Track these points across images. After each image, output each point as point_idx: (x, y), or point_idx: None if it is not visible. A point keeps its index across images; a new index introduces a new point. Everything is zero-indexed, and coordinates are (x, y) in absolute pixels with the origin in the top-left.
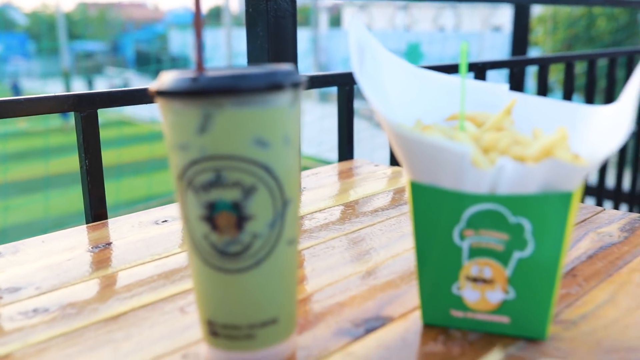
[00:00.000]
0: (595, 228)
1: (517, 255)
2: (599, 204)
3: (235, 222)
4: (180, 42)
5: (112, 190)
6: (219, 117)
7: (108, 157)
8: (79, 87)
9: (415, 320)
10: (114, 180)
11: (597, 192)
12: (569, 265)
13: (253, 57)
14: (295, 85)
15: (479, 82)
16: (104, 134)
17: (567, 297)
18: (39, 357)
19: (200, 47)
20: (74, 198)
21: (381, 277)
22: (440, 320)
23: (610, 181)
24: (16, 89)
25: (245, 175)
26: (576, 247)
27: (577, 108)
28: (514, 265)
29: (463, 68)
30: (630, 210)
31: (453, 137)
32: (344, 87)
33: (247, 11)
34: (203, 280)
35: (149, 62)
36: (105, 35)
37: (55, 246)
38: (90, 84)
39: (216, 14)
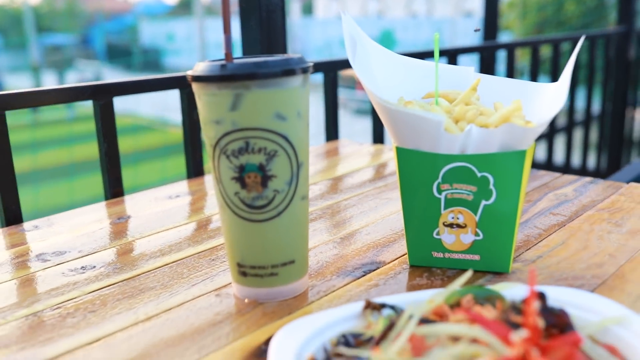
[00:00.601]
0: (553, 190)
1: (483, 203)
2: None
3: (261, 181)
4: (151, 33)
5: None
6: (247, 97)
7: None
8: (49, 81)
9: (403, 263)
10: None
11: (563, 171)
12: (530, 218)
13: (247, 47)
14: (305, 70)
15: (450, 66)
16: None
17: (528, 242)
18: (96, 301)
19: (229, 40)
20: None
21: (373, 234)
22: (424, 261)
23: (576, 161)
24: None
25: (268, 143)
26: (536, 205)
27: (529, 85)
28: (481, 212)
29: (436, 54)
30: None
31: (430, 110)
32: (329, 73)
33: (240, 6)
34: (234, 230)
35: (120, 54)
36: (74, 27)
37: (84, 219)
38: (61, 77)
39: (187, 4)
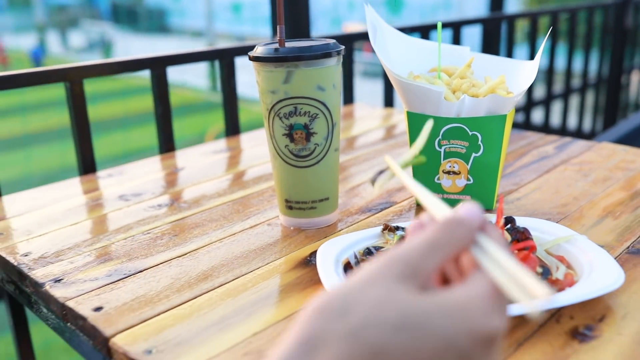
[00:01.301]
0: (536, 147)
1: (474, 155)
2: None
3: (305, 136)
4: None
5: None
6: (296, 73)
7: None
8: (53, 41)
9: (412, 203)
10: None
11: (560, 134)
12: (514, 170)
13: (274, 21)
14: (339, 53)
15: (451, 45)
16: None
17: (510, 189)
18: (176, 229)
19: (282, 30)
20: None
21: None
22: None
23: (572, 123)
24: None
25: (311, 108)
26: (520, 160)
27: (512, 62)
28: (472, 162)
29: (439, 39)
30: None
31: (433, 82)
32: (347, 45)
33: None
34: (283, 174)
35: (125, 15)
36: None
37: (149, 169)
38: (64, 37)
39: None
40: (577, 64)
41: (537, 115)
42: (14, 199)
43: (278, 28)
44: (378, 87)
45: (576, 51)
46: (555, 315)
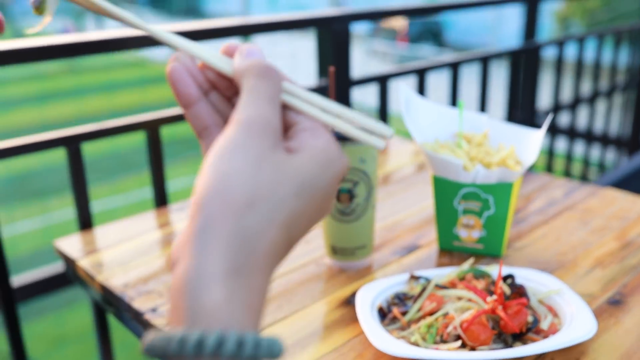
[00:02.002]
0: (546, 192)
1: (486, 213)
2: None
3: (349, 198)
4: None
5: None
6: (343, 149)
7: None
8: (91, 24)
9: (434, 247)
10: None
11: (569, 133)
12: (525, 216)
13: (321, 65)
14: None
15: (472, 113)
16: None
17: (517, 236)
18: None
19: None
20: None
21: (415, 221)
22: (448, 247)
23: (582, 122)
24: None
25: (354, 176)
26: (532, 203)
27: (523, 131)
28: (484, 218)
29: (460, 119)
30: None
31: (454, 151)
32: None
33: (317, 35)
34: (329, 226)
35: (162, 0)
36: None
37: None
38: (101, 22)
39: None
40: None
41: (562, 119)
42: (105, 230)
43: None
44: (411, 79)
45: (605, 47)
46: (540, 357)
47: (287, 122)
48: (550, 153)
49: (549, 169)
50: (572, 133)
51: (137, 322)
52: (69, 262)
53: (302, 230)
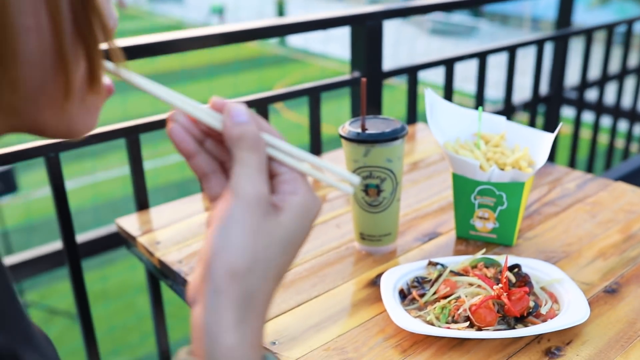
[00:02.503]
0: (560, 184)
1: (499, 208)
2: (598, 119)
3: (376, 192)
4: None
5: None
6: (372, 150)
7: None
8: None
9: (452, 235)
10: None
11: (596, 108)
12: (538, 207)
13: (355, 62)
14: (403, 136)
15: (490, 115)
16: None
17: (529, 226)
18: None
19: (364, 119)
20: None
21: (436, 209)
22: (465, 235)
23: (610, 97)
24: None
25: (381, 174)
26: (546, 196)
27: (537, 133)
28: (498, 212)
29: (479, 117)
30: (631, 126)
31: (473, 152)
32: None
33: (351, 33)
34: (359, 215)
35: None
36: None
37: None
38: None
39: None
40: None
41: (593, 93)
42: (159, 211)
43: (361, 118)
44: (447, 43)
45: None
46: (538, 338)
47: (270, 171)
48: (576, 125)
49: (575, 143)
50: (599, 108)
51: None
52: (130, 238)
53: (286, 271)
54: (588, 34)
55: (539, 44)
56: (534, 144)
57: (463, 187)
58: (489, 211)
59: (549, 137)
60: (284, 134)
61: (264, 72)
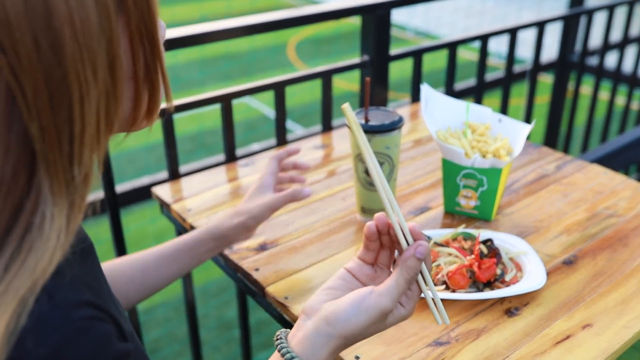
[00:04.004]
0: (540, 165)
1: (480, 189)
2: (598, 83)
3: None
4: None
5: None
6: (373, 139)
7: None
8: None
9: (441, 209)
10: None
11: (596, 71)
12: (516, 186)
13: (364, 47)
14: (400, 127)
15: (478, 106)
16: None
17: (508, 203)
18: (299, 213)
19: (367, 111)
20: None
21: (428, 185)
22: (451, 210)
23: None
24: None
25: (380, 158)
26: (525, 176)
27: (518, 124)
28: (479, 192)
29: (467, 117)
30: (630, 92)
31: (460, 139)
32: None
33: (362, 22)
34: (360, 192)
35: None
36: None
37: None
38: None
39: None
40: None
41: (612, 59)
42: (189, 181)
43: (365, 110)
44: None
45: None
46: (501, 300)
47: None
48: (594, 97)
49: (592, 111)
50: (617, 77)
51: (221, 256)
52: (164, 205)
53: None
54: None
55: (540, 26)
56: (514, 134)
57: (450, 170)
58: (472, 191)
59: (527, 129)
60: (294, 84)
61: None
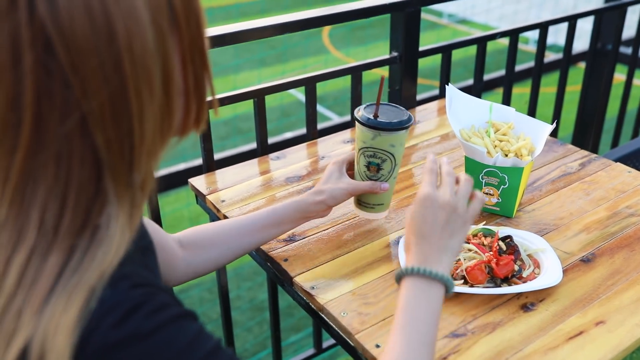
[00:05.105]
0: (564, 163)
1: (502, 186)
2: (632, 73)
3: (377, 169)
4: None
5: None
6: (379, 135)
7: None
8: None
9: None
10: None
11: (630, 61)
12: (539, 183)
13: (393, 44)
14: (407, 127)
15: (501, 105)
16: None
17: (530, 200)
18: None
19: (377, 108)
20: None
21: None
22: None
23: None
24: None
25: (384, 155)
26: (548, 174)
27: (540, 124)
28: (501, 190)
29: (490, 116)
30: None
31: (483, 138)
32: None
33: (391, 20)
34: None
35: None
36: None
37: (303, 154)
38: None
39: None
40: None
41: None
42: (223, 174)
43: (375, 106)
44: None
45: None
46: (518, 295)
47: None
48: (628, 87)
49: (625, 100)
50: (634, 63)
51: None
52: (200, 195)
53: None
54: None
55: (571, 20)
56: (536, 133)
57: (473, 168)
58: (494, 189)
59: (548, 129)
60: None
61: (314, 9)
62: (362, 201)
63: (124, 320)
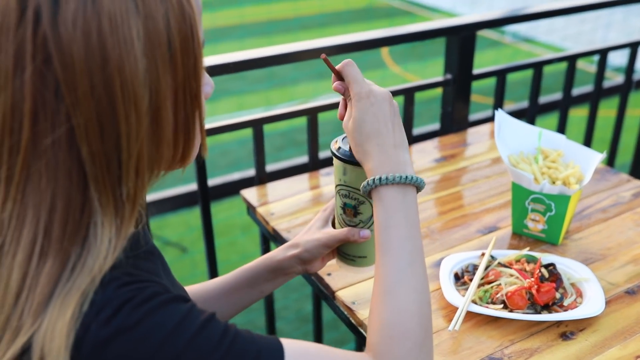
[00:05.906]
0: (615, 192)
1: (548, 213)
2: None
3: (353, 213)
4: None
5: None
6: (350, 170)
7: None
8: None
9: (509, 230)
10: None
11: None
12: (588, 212)
13: (448, 66)
14: None
15: (551, 132)
16: None
17: (578, 228)
18: None
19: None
20: None
21: (496, 208)
22: (519, 232)
23: None
24: None
25: (359, 196)
26: (599, 202)
27: (589, 152)
28: (547, 217)
29: (539, 137)
30: None
31: (531, 164)
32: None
33: (447, 44)
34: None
35: None
36: None
37: None
38: None
39: None
40: None
41: None
42: (274, 187)
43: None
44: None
45: None
46: (558, 323)
47: None
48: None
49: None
50: None
51: None
52: (251, 207)
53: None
54: None
55: (633, 47)
56: (586, 162)
57: (519, 194)
58: (540, 215)
59: (598, 158)
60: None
61: (373, 24)
62: (342, 251)
63: (113, 317)
